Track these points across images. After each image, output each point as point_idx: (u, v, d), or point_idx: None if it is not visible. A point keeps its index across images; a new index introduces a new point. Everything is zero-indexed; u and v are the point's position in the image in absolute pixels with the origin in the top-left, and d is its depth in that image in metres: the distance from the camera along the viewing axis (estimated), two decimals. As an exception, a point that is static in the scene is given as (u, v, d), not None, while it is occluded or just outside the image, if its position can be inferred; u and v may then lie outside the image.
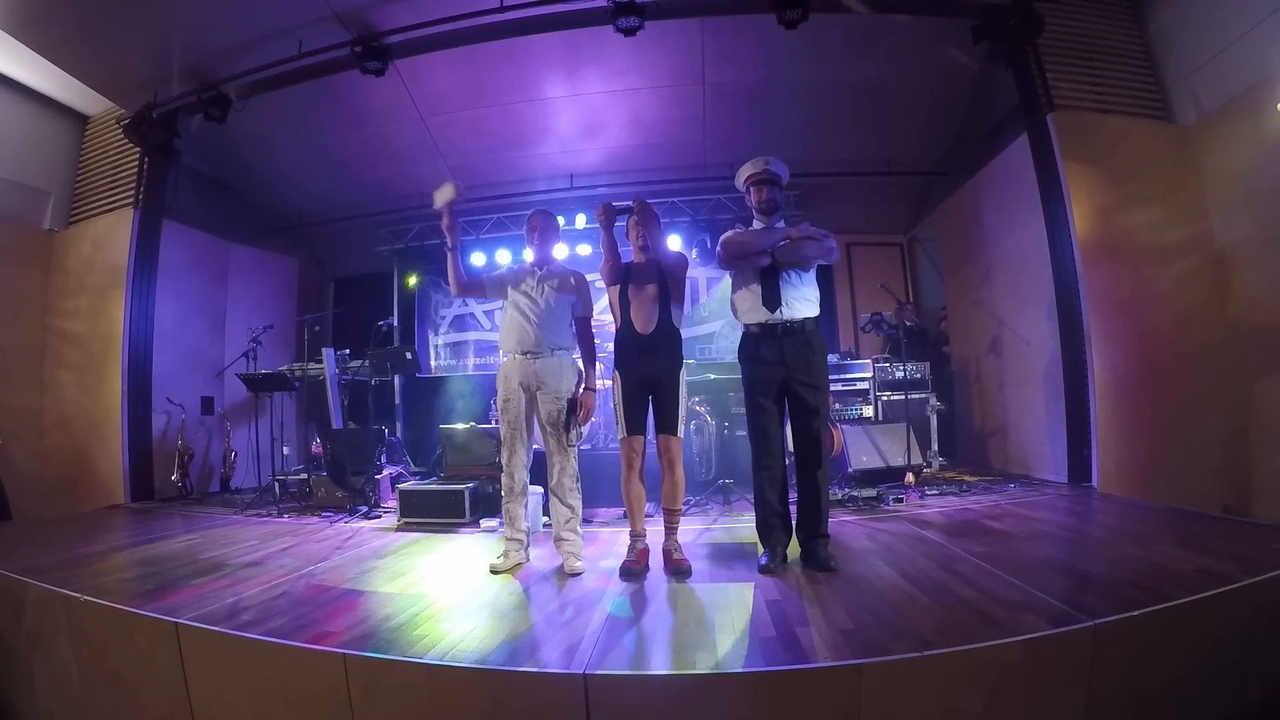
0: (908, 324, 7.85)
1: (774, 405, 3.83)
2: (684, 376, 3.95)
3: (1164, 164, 6.11)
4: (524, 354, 4.00)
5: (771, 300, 3.79)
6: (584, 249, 9.09)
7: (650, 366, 3.88)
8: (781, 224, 4.04)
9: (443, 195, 4.00)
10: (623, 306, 3.96)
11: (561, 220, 8.74)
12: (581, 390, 4.05)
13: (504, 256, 9.24)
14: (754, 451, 3.88)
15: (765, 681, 2.29)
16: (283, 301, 9.70)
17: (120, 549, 4.75)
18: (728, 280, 8.99)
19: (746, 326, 3.95)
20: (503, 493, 4.09)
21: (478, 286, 4.23)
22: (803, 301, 3.83)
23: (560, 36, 6.75)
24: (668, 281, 3.94)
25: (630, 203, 4.09)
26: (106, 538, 5.17)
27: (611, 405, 4.08)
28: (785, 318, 3.79)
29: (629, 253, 4.07)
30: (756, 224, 4.03)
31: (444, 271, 9.13)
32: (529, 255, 4.33)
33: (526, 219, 4.32)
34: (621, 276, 4.00)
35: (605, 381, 6.19)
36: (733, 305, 4.04)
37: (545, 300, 4.05)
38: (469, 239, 9.43)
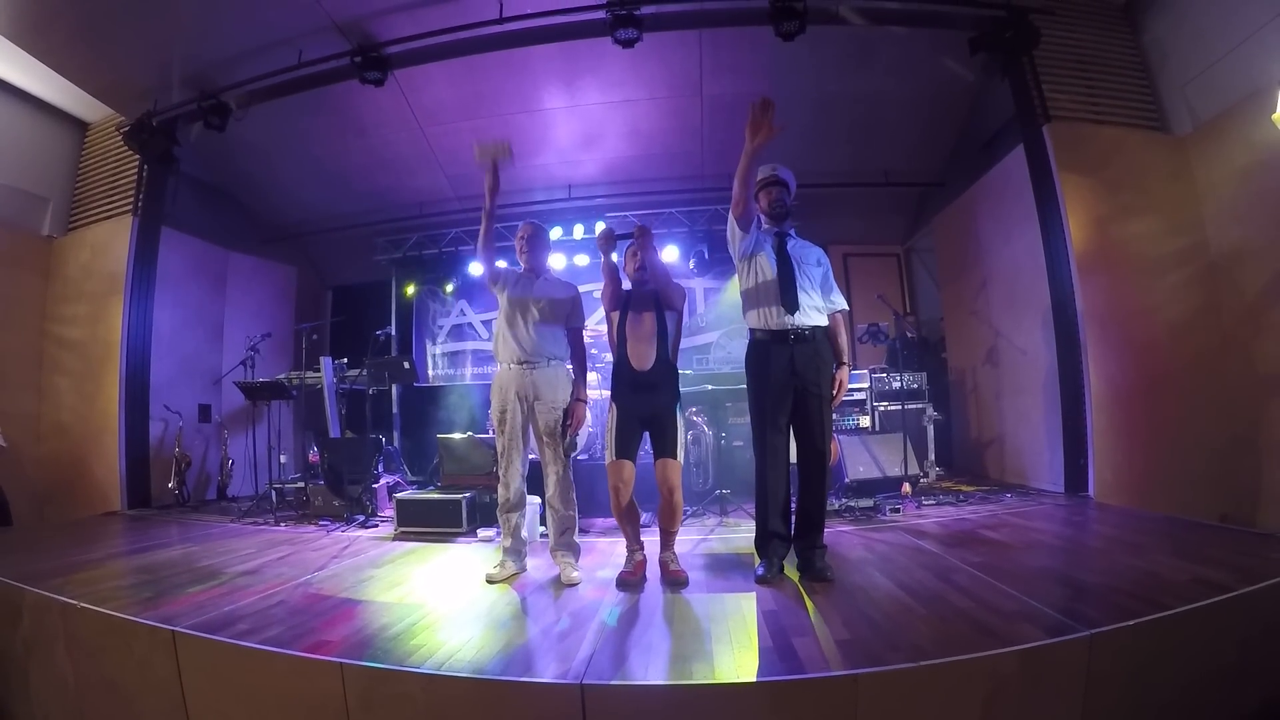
0: (909, 335, 7.87)
1: (781, 415, 3.77)
2: (680, 409, 3.90)
3: (1159, 174, 6.14)
4: (520, 364, 3.99)
5: (790, 304, 3.73)
6: (582, 259, 9.12)
7: (647, 405, 3.84)
8: (793, 230, 4.01)
9: (490, 151, 4.06)
10: (620, 340, 3.92)
11: (559, 231, 8.89)
12: (573, 401, 4.06)
13: (502, 265, 9.25)
14: (757, 460, 3.83)
15: (762, 692, 2.29)
16: (281, 310, 9.72)
17: (117, 556, 4.74)
18: (729, 288, 9.07)
19: (754, 333, 3.89)
20: (499, 503, 4.08)
21: (492, 268, 4.25)
22: (815, 311, 3.80)
23: (559, 48, 6.77)
24: (665, 314, 3.90)
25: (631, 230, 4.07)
26: (103, 545, 5.16)
27: (606, 419, 4.07)
28: (800, 324, 3.74)
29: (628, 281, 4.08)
30: (766, 227, 4.00)
31: (441, 281, 9.16)
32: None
33: (517, 230, 4.31)
34: (621, 304, 3.98)
35: (603, 392, 6.21)
36: (744, 309, 3.98)
37: (541, 309, 4.04)
38: (467, 249, 9.47)
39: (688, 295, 4.35)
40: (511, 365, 4.01)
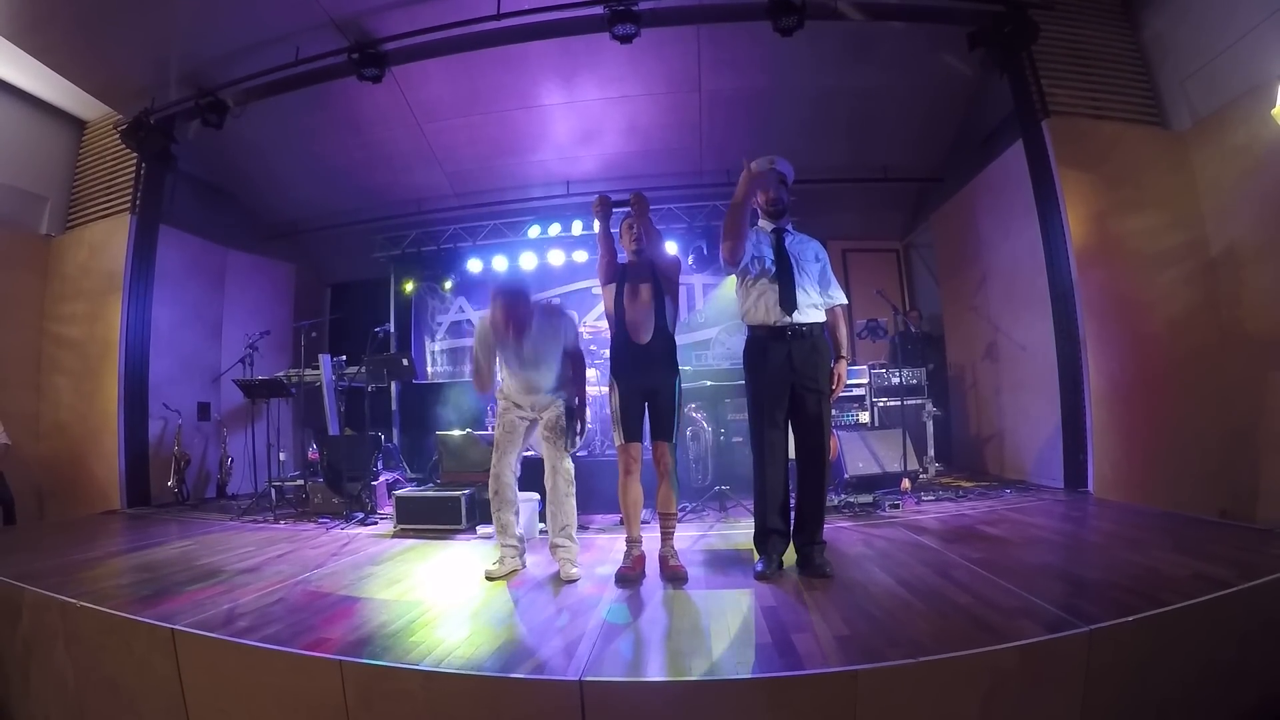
0: (912, 330, 7.87)
1: (779, 411, 3.77)
2: (680, 385, 3.94)
3: (1159, 169, 6.14)
4: (524, 392, 4.02)
5: (788, 303, 3.73)
6: (581, 255, 9.10)
7: (647, 377, 3.88)
8: (790, 225, 4.02)
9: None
10: (618, 313, 3.94)
11: (558, 227, 8.89)
12: (576, 403, 4.07)
13: (500, 262, 9.26)
14: (756, 457, 3.84)
15: (761, 688, 2.29)
16: (279, 307, 9.71)
17: (116, 555, 4.74)
18: (728, 284, 9.06)
19: (752, 329, 3.89)
20: (490, 496, 4.05)
21: (491, 352, 4.01)
22: (812, 307, 3.79)
23: (556, 44, 6.76)
24: (662, 285, 3.92)
25: (628, 196, 4.05)
26: (103, 543, 5.16)
27: (608, 412, 4.08)
28: (798, 321, 3.74)
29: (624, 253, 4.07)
30: (763, 224, 4.00)
31: (439, 277, 9.11)
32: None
33: (492, 302, 3.83)
34: (617, 276, 3.99)
35: (601, 388, 6.21)
36: (740, 306, 3.97)
37: (538, 356, 3.95)
38: (465, 245, 9.46)
39: (683, 274, 4.33)
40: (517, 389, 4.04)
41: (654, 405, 3.89)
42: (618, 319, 3.95)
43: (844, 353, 3.91)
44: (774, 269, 3.80)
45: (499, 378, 4.14)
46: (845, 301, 4.00)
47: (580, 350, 4.18)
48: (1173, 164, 6.16)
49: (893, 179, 8.84)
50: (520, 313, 3.79)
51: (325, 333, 8.96)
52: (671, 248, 8.79)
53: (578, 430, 4.07)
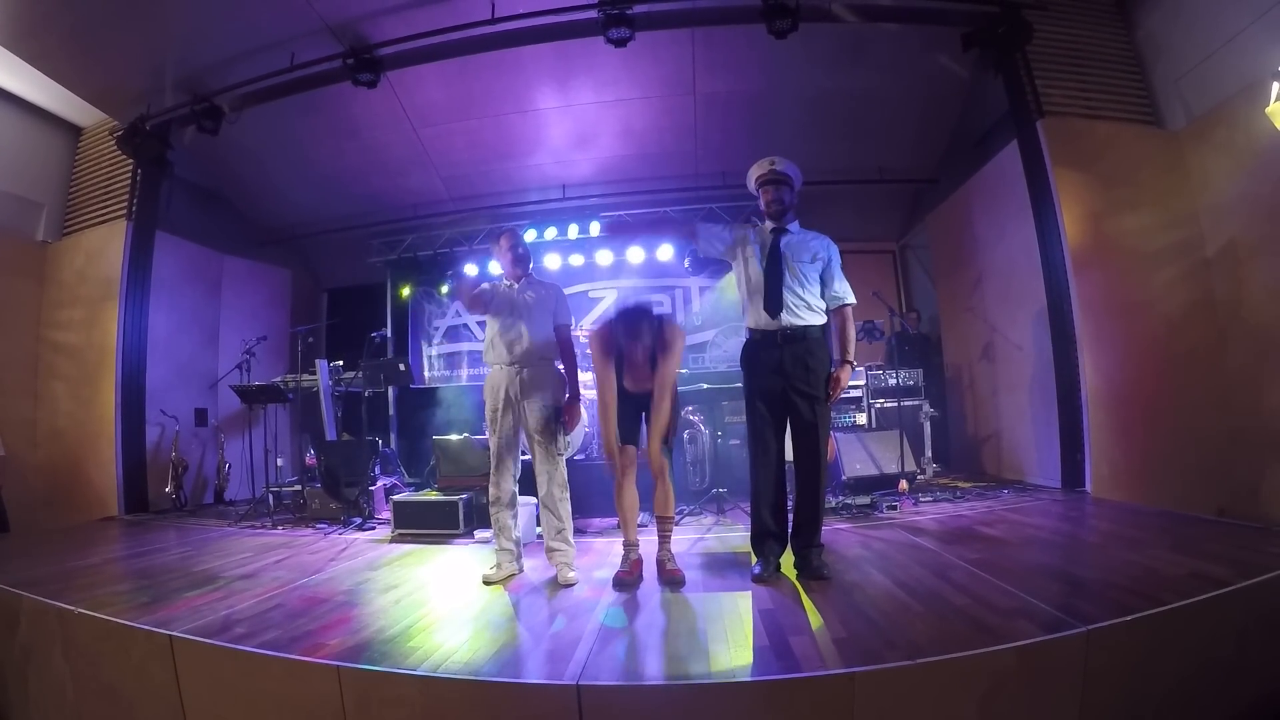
0: (910, 331, 7.87)
1: (773, 414, 3.76)
2: (676, 389, 3.91)
3: (1154, 169, 6.16)
4: (510, 365, 4.01)
5: (773, 306, 3.71)
6: (577, 259, 9.10)
7: (644, 399, 3.83)
8: (795, 225, 3.96)
9: None
10: (617, 374, 3.85)
11: (554, 231, 8.89)
12: (566, 398, 4.08)
13: (496, 267, 9.25)
14: (751, 459, 3.83)
15: (758, 691, 2.29)
16: (276, 313, 9.71)
17: (114, 561, 4.74)
18: (724, 285, 9.05)
19: (749, 332, 3.88)
20: (489, 503, 4.09)
21: (481, 300, 4.19)
22: (806, 309, 3.73)
23: (551, 48, 6.77)
24: (658, 356, 3.78)
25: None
26: (100, 550, 5.16)
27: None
28: (786, 324, 3.70)
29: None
30: (767, 225, 3.96)
31: (436, 282, 9.15)
32: (496, 268, 4.34)
33: (497, 239, 4.36)
34: (615, 362, 3.87)
35: (593, 392, 6.20)
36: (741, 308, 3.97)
37: (528, 311, 4.06)
38: (462, 249, 9.45)
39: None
40: (502, 367, 4.02)
41: (650, 411, 3.86)
42: (616, 372, 3.86)
43: (848, 356, 3.81)
44: (762, 270, 3.78)
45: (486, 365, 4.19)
46: (852, 301, 3.88)
47: (569, 327, 4.21)
48: (1167, 163, 6.17)
49: (888, 180, 8.84)
50: (519, 245, 4.27)
51: (322, 338, 8.97)
52: (667, 251, 8.78)
53: (567, 431, 4.07)
